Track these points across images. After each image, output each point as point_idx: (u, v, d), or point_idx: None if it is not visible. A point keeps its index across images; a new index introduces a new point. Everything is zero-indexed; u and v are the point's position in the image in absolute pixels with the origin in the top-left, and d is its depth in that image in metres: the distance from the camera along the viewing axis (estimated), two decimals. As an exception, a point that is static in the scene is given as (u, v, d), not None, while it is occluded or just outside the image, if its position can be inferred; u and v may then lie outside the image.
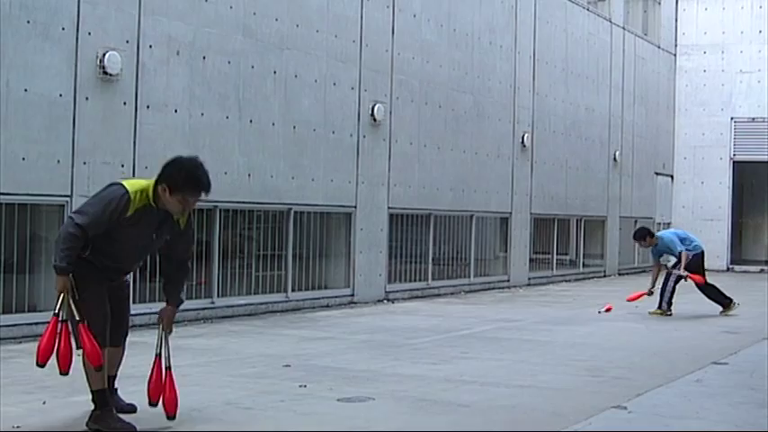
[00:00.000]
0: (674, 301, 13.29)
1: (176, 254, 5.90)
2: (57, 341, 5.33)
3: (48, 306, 8.37)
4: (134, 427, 5.57)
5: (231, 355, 8.81)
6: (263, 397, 6.80)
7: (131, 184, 5.55)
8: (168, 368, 5.77)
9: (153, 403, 5.77)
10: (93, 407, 5.64)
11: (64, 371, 5.39)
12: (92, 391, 5.60)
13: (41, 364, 5.35)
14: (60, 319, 5.37)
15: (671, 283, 13.29)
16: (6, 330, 9.25)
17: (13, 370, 7.18)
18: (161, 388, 5.74)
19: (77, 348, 5.46)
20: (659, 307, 13.29)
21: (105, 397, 5.61)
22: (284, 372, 7.90)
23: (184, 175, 5.48)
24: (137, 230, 5.55)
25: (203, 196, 5.62)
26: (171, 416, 5.74)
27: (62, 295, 5.39)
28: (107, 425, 5.53)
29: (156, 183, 5.52)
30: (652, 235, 13.68)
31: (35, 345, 5.53)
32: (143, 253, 5.93)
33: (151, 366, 5.79)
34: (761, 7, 25.23)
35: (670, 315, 13.18)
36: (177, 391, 5.77)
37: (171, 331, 5.87)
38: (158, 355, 5.77)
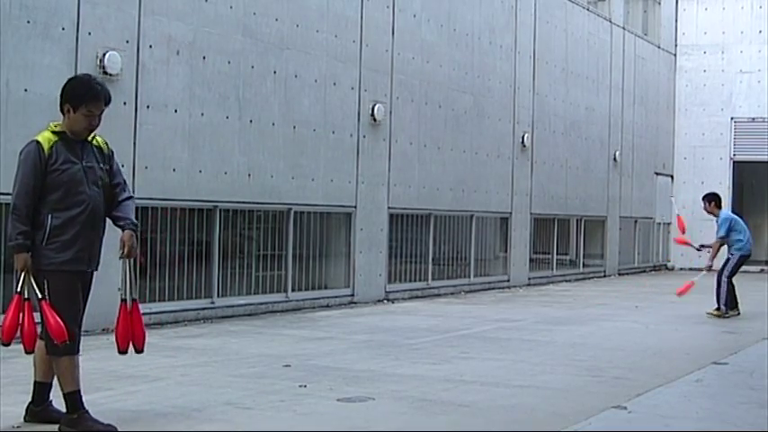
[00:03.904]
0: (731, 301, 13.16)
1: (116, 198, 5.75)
2: (21, 320, 5.34)
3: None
4: (115, 428, 5.48)
5: (231, 355, 8.81)
6: (263, 397, 6.79)
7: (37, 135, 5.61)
8: (134, 300, 5.75)
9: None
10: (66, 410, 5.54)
11: (29, 349, 5.43)
12: (64, 394, 5.50)
13: (6, 342, 5.41)
14: (24, 297, 5.38)
15: (723, 286, 13.16)
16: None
17: (13, 370, 7.19)
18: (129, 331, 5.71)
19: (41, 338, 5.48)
20: (717, 309, 13.16)
21: (79, 399, 5.51)
22: (284, 372, 7.90)
23: (82, 88, 5.63)
24: (68, 166, 5.48)
25: (104, 107, 5.65)
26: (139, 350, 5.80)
27: (23, 274, 5.38)
28: (88, 427, 5.42)
29: (61, 110, 5.61)
30: (718, 205, 13.61)
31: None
32: (92, 186, 5.56)
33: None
34: (761, 7, 25.22)
35: (728, 317, 12.99)
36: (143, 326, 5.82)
37: (133, 256, 5.71)
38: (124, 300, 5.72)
